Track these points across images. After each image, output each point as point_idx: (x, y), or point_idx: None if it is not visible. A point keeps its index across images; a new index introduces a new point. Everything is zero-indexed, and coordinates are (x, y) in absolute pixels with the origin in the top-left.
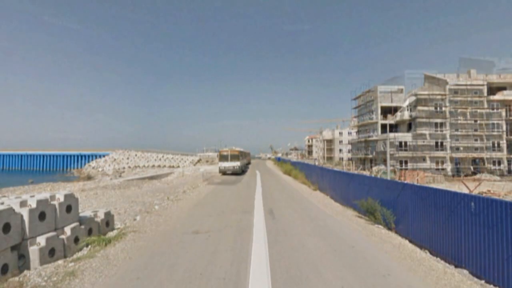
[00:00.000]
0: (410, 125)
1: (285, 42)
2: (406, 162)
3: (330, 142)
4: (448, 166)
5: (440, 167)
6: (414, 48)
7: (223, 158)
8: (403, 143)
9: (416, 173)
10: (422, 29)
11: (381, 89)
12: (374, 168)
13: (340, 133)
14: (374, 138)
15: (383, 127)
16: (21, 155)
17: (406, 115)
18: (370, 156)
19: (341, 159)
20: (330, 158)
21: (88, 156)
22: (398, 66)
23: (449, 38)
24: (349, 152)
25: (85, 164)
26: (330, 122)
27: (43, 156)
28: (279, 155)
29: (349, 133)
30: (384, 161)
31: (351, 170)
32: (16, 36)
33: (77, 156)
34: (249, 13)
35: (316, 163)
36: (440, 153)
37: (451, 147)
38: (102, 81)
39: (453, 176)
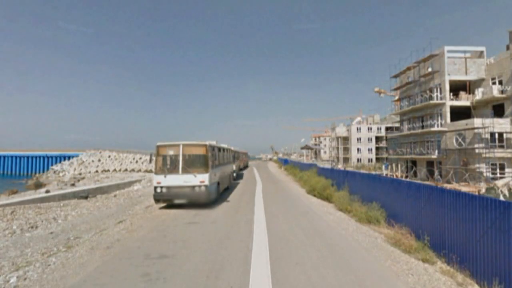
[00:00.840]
0: (495, 109)
1: (291, 41)
2: (502, 167)
3: (344, 140)
4: None
5: None
6: (414, 48)
7: (163, 164)
8: (495, 137)
9: None
10: (422, 29)
11: (449, 54)
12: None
13: (358, 129)
14: (440, 128)
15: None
16: None
17: (495, 90)
18: (434, 156)
19: (370, 160)
20: (345, 159)
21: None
22: (399, 66)
23: (448, 38)
24: (369, 151)
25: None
26: (337, 119)
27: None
28: (280, 155)
29: (369, 129)
30: (464, 164)
31: (399, 176)
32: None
33: (43, 158)
34: (250, 13)
35: (338, 166)
36: None
37: None
38: (101, 81)
39: None
